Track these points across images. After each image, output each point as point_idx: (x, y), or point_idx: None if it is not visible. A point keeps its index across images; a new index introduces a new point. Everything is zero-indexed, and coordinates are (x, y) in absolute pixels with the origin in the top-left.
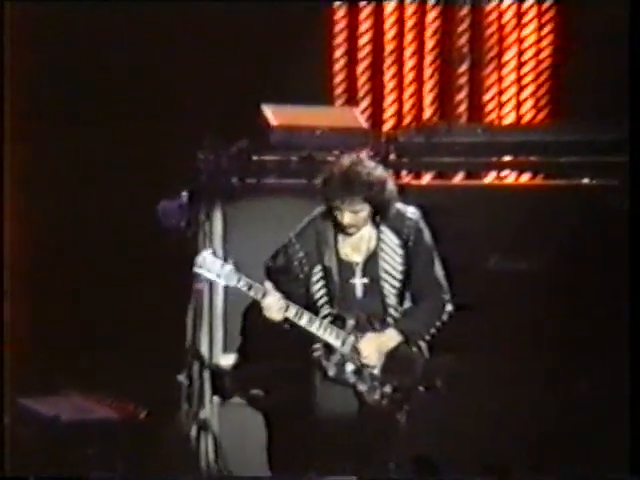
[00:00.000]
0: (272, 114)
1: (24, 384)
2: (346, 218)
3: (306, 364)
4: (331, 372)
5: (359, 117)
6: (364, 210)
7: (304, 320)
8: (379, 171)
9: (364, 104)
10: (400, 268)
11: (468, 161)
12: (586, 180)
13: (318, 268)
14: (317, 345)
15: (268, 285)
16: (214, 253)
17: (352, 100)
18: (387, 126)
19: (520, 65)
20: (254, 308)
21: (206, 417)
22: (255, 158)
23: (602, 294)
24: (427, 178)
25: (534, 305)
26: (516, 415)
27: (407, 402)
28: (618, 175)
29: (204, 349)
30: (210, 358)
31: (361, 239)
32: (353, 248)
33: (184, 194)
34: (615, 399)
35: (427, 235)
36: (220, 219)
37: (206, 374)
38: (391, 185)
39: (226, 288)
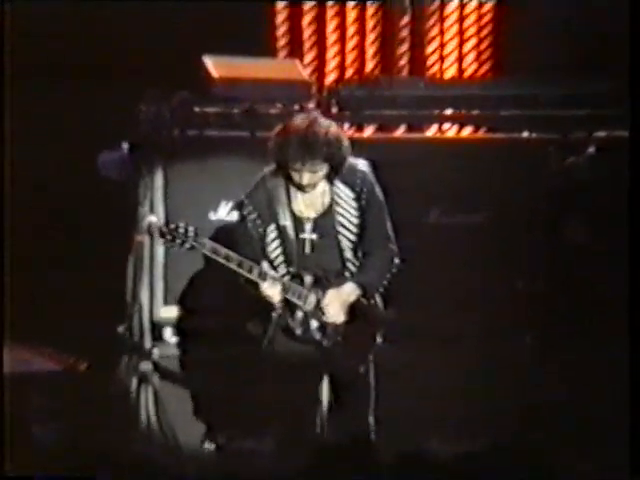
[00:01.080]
0: (213, 66)
1: None
2: (305, 179)
3: (267, 323)
4: (298, 331)
5: (301, 69)
6: (323, 169)
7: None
8: (334, 129)
9: (306, 57)
10: (355, 221)
11: (410, 114)
12: (526, 134)
13: (272, 227)
14: (275, 305)
15: (266, 266)
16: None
17: (294, 53)
18: (329, 79)
19: (462, 18)
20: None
21: (146, 369)
22: (197, 110)
23: (543, 245)
24: (369, 131)
25: (474, 258)
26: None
27: (370, 354)
28: (558, 130)
29: (145, 301)
30: (151, 310)
31: (315, 195)
32: (307, 205)
33: (125, 145)
34: (615, 399)
35: (378, 188)
36: (161, 171)
37: (146, 326)
38: (346, 141)
39: None
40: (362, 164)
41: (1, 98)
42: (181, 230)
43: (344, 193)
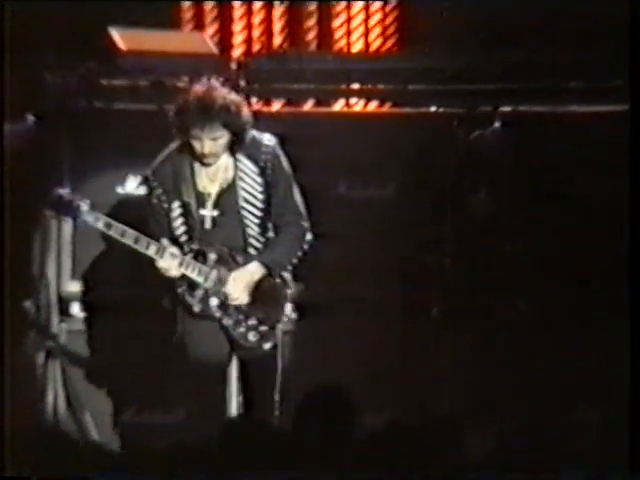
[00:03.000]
0: (120, 38)
1: None
2: (206, 147)
3: (169, 298)
4: (196, 308)
5: (209, 42)
6: (224, 137)
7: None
8: (233, 96)
9: (213, 30)
10: (260, 197)
11: (318, 88)
12: (433, 108)
13: (177, 204)
14: (180, 281)
15: (165, 242)
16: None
17: (201, 26)
18: (237, 52)
19: None
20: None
21: (53, 344)
22: (104, 82)
23: (450, 218)
24: (277, 105)
25: (383, 231)
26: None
27: (274, 334)
28: (464, 104)
29: (51, 275)
30: (57, 285)
31: (217, 169)
32: (210, 180)
33: (30, 117)
34: (615, 399)
35: (285, 162)
36: (67, 144)
37: (53, 301)
38: (246, 110)
39: None
40: (267, 139)
41: None
42: (74, 204)
43: (248, 168)
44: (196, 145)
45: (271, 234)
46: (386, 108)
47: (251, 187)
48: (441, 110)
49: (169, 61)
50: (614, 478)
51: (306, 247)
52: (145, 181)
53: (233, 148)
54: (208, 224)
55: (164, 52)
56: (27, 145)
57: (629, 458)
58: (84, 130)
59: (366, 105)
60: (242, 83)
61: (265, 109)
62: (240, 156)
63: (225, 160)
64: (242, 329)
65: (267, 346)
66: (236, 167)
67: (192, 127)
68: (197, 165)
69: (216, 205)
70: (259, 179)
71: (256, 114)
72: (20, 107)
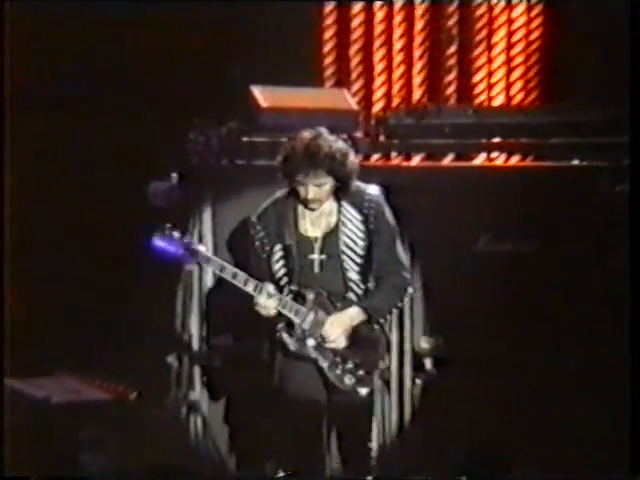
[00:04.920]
0: (261, 95)
1: (14, 366)
2: (310, 193)
3: (270, 342)
4: (292, 347)
5: (349, 98)
6: (327, 183)
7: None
8: (340, 144)
9: (354, 86)
10: (361, 244)
11: (458, 143)
12: (576, 162)
13: (278, 247)
14: (280, 324)
15: (267, 283)
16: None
17: (342, 82)
18: (377, 108)
19: (510, 46)
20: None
21: (195, 398)
22: (245, 139)
23: (593, 276)
24: (417, 160)
25: (522, 289)
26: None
27: (370, 380)
28: (608, 157)
29: (194, 330)
30: (200, 339)
31: (321, 213)
32: (313, 223)
33: (174, 175)
34: (615, 399)
35: (389, 214)
36: (209, 201)
37: (196, 355)
38: (353, 157)
39: None
40: (372, 189)
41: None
42: (181, 236)
43: (351, 214)
44: (301, 190)
45: (371, 284)
46: (528, 162)
47: (353, 233)
48: (584, 164)
49: (309, 118)
50: (614, 478)
51: (406, 299)
52: (249, 226)
53: (337, 194)
54: (317, 268)
55: (304, 109)
56: (171, 203)
57: (629, 458)
58: (226, 187)
59: (507, 159)
60: (382, 138)
61: (405, 164)
62: (344, 202)
63: (329, 205)
64: (338, 372)
65: (363, 391)
66: (339, 212)
67: (297, 173)
68: (301, 210)
69: (322, 249)
70: (361, 226)
71: (395, 169)
72: (165, 166)
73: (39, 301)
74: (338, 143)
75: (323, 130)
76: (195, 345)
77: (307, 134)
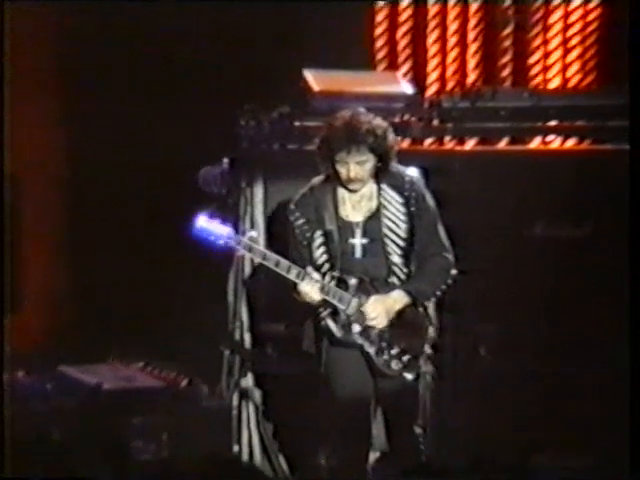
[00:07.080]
0: (314, 79)
1: (67, 352)
2: (352, 171)
3: (315, 330)
4: (338, 334)
5: (402, 82)
6: (369, 161)
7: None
8: (379, 120)
9: (406, 69)
10: (404, 226)
11: (513, 126)
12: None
13: (319, 233)
14: (323, 310)
15: (308, 268)
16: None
17: (394, 65)
18: (430, 91)
19: (566, 28)
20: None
21: (247, 386)
22: (297, 124)
23: None
24: (471, 143)
25: (577, 271)
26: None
27: (417, 364)
28: None
29: (244, 317)
30: (251, 326)
31: (362, 197)
32: (354, 207)
33: (225, 160)
34: (615, 397)
35: (429, 196)
36: (261, 186)
37: (247, 342)
38: (392, 135)
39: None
40: (411, 171)
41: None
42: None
43: (392, 197)
44: (342, 170)
45: (413, 267)
46: (585, 145)
47: (395, 216)
48: None
49: (362, 101)
50: (614, 477)
51: (450, 281)
52: (288, 213)
53: (378, 176)
54: (358, 253)
55: (357, 92)
56: (222, 188)
57: (629, 457)
58: (277, 172)
59: (563, 143)
60: (435, 122)
61: (459, 148)
62: (384, 185)
63: (369, 189)
64: (385, 357)
65: (410, 376)
66: (380, 195)
67: (339, 151)
68: (340, 194)
69: (364, 233)
70: (403, 209)
71: (449, 152)
72: (216, 152)
73: (92, 289)
74: (377, 119)
75: (361, 109)
76: (246, 333)
77: (346, 112)
